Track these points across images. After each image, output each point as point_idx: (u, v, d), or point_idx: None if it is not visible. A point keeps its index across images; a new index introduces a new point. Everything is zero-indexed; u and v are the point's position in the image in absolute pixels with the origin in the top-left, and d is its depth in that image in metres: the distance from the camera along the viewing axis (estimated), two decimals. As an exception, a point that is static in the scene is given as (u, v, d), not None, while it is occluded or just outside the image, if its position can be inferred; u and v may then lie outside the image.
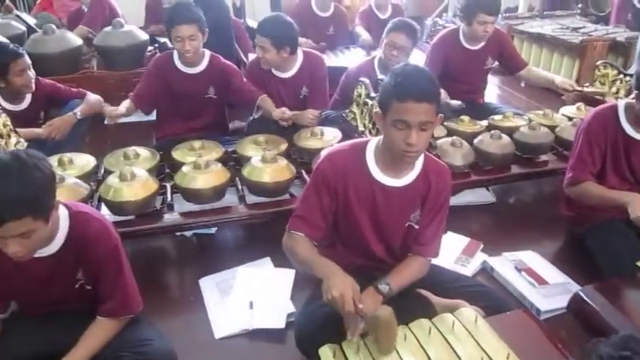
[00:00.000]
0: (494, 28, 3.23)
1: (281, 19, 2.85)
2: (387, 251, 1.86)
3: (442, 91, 2.98)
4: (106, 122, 2.72)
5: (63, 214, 1.58)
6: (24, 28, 4.12)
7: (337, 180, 1.72)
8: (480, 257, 2.39)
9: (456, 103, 3.08)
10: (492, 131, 2.72)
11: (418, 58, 3.87)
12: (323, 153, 2.41)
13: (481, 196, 2.86)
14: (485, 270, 2.35)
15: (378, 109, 1.67)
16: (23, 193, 1.35)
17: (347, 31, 4.63)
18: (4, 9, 4.66)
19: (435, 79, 1.61)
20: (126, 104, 2.81)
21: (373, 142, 1.77)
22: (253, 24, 4.67)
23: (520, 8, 5.85)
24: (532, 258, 2.36)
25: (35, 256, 1.53)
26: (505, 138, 2.70)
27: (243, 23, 4.58)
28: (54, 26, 3.77)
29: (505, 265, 2.32)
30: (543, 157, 2.82)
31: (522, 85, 4.54)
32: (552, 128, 2.87)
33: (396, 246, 1.85)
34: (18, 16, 4.61)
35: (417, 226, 1.80)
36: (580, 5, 5.81)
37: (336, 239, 1.87)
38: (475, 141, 2.72)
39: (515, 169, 2.71)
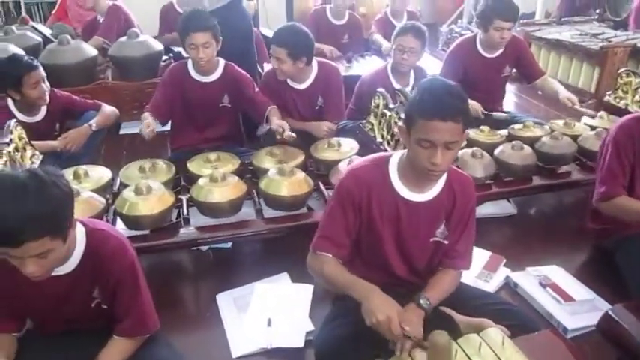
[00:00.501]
0: (511, 34, 3.18)
1: (297, 29, 2.82)
2: (409, 269, 1.81)
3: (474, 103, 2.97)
4: (147, 138, 2.65)
5: (80, 231, 1.56)
6: (40, 39, 4.14)
7: (361, 196, 1.68)
8: (503, 272, 2.32)
9: (500, 115, 3.10)
10: (513, 142, 2.66)
11: (433, 65, 3.83)
12: (341, 166, 2.42)
13: (502, 207, 2.80)
14: (509, 285, 2.29)
15: (402, 124, 1.64)
16: (42, 213, 1.32)
17: (362, 39, 4.61)
18: (20, 21, 4.68)
19: (465, 96, 1.55)
20: (146, 116, 2.77)
21: (396, 157, 1.72)
22: (268, 33, 4.66)
23: (537, 14, 5.78)
24: (556, 273, 2.30)
25: (52, 274, 1.50)
26: (526, 149, 2.64)
27: (256, 30, 4.55)
28: (69, 37, 3.77)
29: (529, 280, 2.25)
30: (565, 168, 2.75)
31: (540, 92, 4.47)
32: (574, 138, 2.81)
33: (419, 263, 1.80)
34: (34, 27, 4.64)
35: (445, 242, 1.76)
36: (597, 11, 5.73)
37: (356, 255, 1.83)
38: (496, 152, 2.66)
39: (537, 181, 2.64)
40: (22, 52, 3.59)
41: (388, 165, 1.71)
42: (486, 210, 2.72)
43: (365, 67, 4.08)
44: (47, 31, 4.44)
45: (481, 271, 2.30)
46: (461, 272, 1.81)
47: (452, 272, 1.78)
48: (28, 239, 1.31)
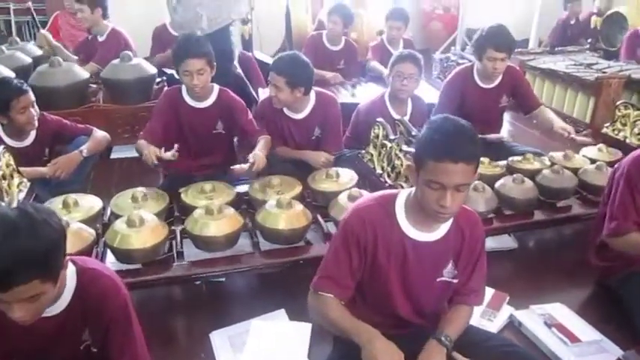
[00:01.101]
0: (505, 65, 3.15)
1: (298, 59, 2.78)
2: (413, 309, 1.75)
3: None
4: (151, 165, 2.57)
5: (70, 270, 1.48)
6: (30, 60, 4.06)
7: (367, 237, 1.63)
8: (507, 310, 2.26)
9: (493, 137, 3.09)
10: (515, 175, 2.62)
11: (429, 93, 3.80)
12: (341, 199, 2.35)
13: (502, 241, 2.74)
14: (513, 324, 2.22)
15: (410, 163, 1.59)
16: (32, 255, 1.24)
17: (357, 64, 4.59)
18: (10, 41, 4.59)
19: (477, 137, 1.50)
20: (144, 145, 2.65)
21: (403, 195, 1.67)
22: (261, 57, 4.63)
23: (530, 43, 5.82)
24: (561, 311, 2.23)
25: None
26: (528, 182, 2.60)
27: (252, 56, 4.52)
28: (60, 59, 3.69)
29: (533, 319, 2.19)
30: (566, 202, 2.70)
31: (535, 121, 4.46)
32: (575, 171, 2.77)
33: (424, 304, 1.75)
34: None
35: (454, 281, 1.71)
36: (590, 40, 5.78)
37: (357, 294, 1.77)
38: (497, 185, 2.62)
39: (538, 215, 2.59)
40: (11, 74, 3.52)
41: (395, 204, 1.66)
42: (487, 244, 2.64)
43: (361, 94, 4.04)
44: (37, 52, 4.36)
45: (485, 309, 2.23)
46: (473, 308, 1.78)
47: (465, 308, 1.76)
48: (16, 283, 1.23)
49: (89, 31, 4.47)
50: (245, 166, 2.55)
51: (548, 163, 2.87)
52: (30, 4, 6.73)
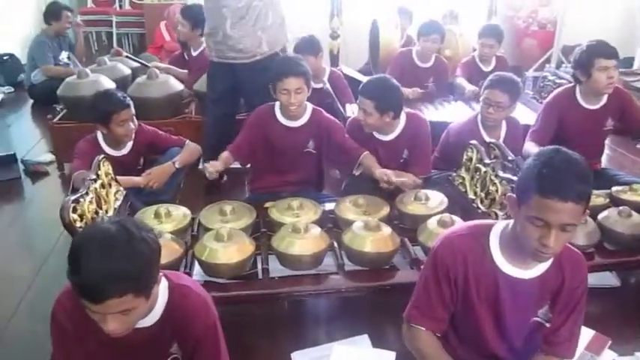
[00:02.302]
0: (617, 75, 2.94)
1: (387, 83, 2.75)
2: (507, 348, 1.65)
3: None
4: (208, 176, 2.66)
5: (163, 285, 1.51)
6: (129, 71, 4.26)
7: (457, 269, 1.55)
8: (609, 356, 2.08)
9: None
10: (621, 207, 2.43)
11: (522, 113, 3.63)
12: (430, 223, 2.26)
13: (603, 277, 2.54)
14: (615, 372, 2.05)
15: (512, 194, 1.49)
16: (128, 269, 1.28)
17: (447, 83, 4.45)
18: (113, 52, 4.85)
19: (590, 175, 1.39)
20: (224, 156, 2.76)
21: (499, 227, 1.58)
22: (348, 71, 4.61)
23: (636, 63, 5.45)
24: (671, 361, 2.04)
25: (133, 327, 1.45)
26: (636, 216, 2.39)
27: (338, 68, 4.51)
28: (157, 71, 3.85)
29: (640, 368, 2.01)
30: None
31: (638, 146, 4.16)
32: (688, 204, 2.54)
33: (517, 342, 1.65)
34: (128, 56, 4.80)
35: (547, 324, 1.60)
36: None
37: (449, 329, 1.69)
38: (600, 217, 2.43)
39: (646, 252, 2.39)
40: (112, 84, 3.70)
41: (489, 235, 1.57)
42: (585, 280, 2.48)
43: (449, 113, 3.92)
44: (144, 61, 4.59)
45: (583, 352, 2.06)
46: None
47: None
48: (111, 296, 1.27)
49: (183, 45, 4.63)
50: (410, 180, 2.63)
51: (657, 194, 2.64)
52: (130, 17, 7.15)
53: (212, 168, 2.63)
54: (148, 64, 4.45)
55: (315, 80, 3.78)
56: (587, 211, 1.46)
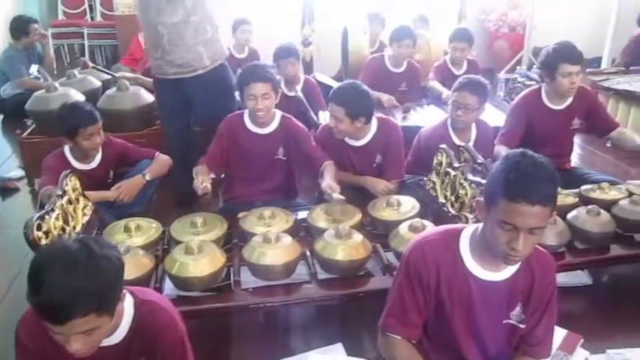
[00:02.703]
0: (580, 79, 2.98)
1: (357, 88, 2.74)
2: (481, 353, 1.65)
3: None
4: (200, 194, 2.58)
5: (128, 301, 1.49)
6: (99, 84, 4.21)
7: (429, 274, 1.55)
8: (581, 354, 2.09)
9: None
10: (590, 206, 2.45)
11: (493, 116, 3.66)
12: (402, 229, 2.26)
13: (575, 276, 2.56)
14: (588, 370, 2.07)
15: (480, 199, 1.50)
16: (90, 288, 1.26)
17: (419, 87, 4.48)
18: (82, 64, 4.79)
19: (557, 178, 1.40)
20: (200, 171, 2.69)
21: (469, 231, 1.58)
22: (322, 78, 4.61)
23: (604, 62, 5.54)
24: (642, 357, 2.06)
25: (98, 345, 1.42)
26: (604, 214, 2.42)
27: (312, 76, 4.51)
28: (127, 83, 3.81)
29: (612, 366, 2.02)
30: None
31: (608, 145, 4.22)
32: (655, 201, 2.57)
33: (491, 347, 1.65)
34: (95, 67, 4.74)
35: (521, 326, 1.61)
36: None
37: (423, 337, 1.69)
38: (569, 217, 2.45)
39: (615, 250, 2.41)
40: (81, 97, 3.65)
41: (459, 239, 1.58)
42: (558, 279, 2.47)
43: (422, 117, 3.94)
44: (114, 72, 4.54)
45: (556, 352, 2.07)
46: None
47: None
48: (73, 317, 1.24)
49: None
50: (338, 196, 2.46)
51: (625, 192, 2.66)
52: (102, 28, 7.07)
53: (202, 186, 2.54)
54: (115, 74, 4.40)
55: (290, 87, 3.81)
56: (555, 212, 1.47)
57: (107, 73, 4.61)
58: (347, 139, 2.84)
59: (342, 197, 2.45)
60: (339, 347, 2.14)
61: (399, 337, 1.60)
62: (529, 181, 1.35)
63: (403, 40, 4.23)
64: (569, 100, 3.08)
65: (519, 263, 1.55)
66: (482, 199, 1.51)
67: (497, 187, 1.41)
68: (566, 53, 2.91)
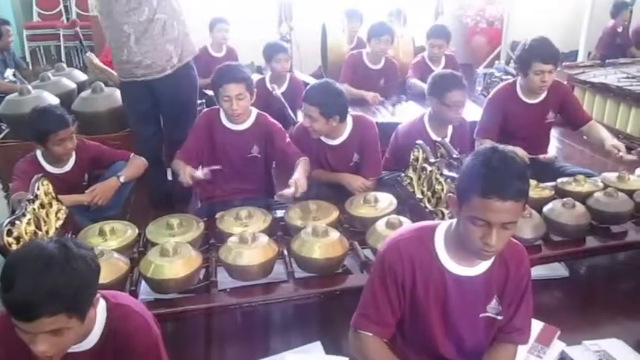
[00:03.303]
0: (552, 78, 3.00)
1: (330, 87, 2.74)
2: (457, 349, 1.65)
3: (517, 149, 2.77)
4: (185, 184, 2.63)
5: (101, 306, 1.46)
6: (74, 86, 4.14)
7: (404, 273, 1.54)
8: (558, 346, 2.11)
9: (547, 157, 3.04)
10: (565, 199, 2.47)
11: (472, 111, 3.68)
12: (379, 226, 2.26)
13: (552, 269, 2.58)
14: (564, 362, 2.08)
15: (452, 195, 1.50)
16: (63, 286, 1.25)
17: (397, 83, 4.48)
18: (56, 67, 4.71)
19: (527, 173, 1.40)
20: (180, 165, 2.69)
21: (443, 227, 1.58)
22: (302, 77, 4.60)
23: (580, 56, 5.59)
24: (617, 348, 2.07)
25: (69, 351, 1.40)
26: (579, 207, 2.44)
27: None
28: (102, 84, 3.75)
29: (587, 357, 2.04)
30: (621, 227, 2.53)
31: (585, 137, 4.26)
32: (630, 193, 2.59)
33: (467, 343, 1.65)
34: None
35: (498, 317, 1.61)
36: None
37: (397, 334, 1.69)
38: (545, 210, 2.47)
39: (591, 242, 2.44)
40: (56, 100, 3.59)
41: (434, 236, 1.57)
42: (535, 272, 2.49)
43: (402, 113, 3.94)
44: (82, 77, 4.45)
45: (533, 344, 2.09)
46: (517, 347, 1.68)
47: (509, 347, 1.66)
48: (42, 314, 1.23)
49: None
50: (290, 190, 2.46)
51: (600, 185, 2.69)
52: (78, 29, 6.97)
53: (186, 177, 2.59)
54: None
55: (279, 84, 3.85)
56: (527, 206, 1.48)
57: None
58: (323, 139, 2.83)
59: (289, 192, 2.45)
60: (317, 346, 2.14)
61: (370, 334, 1.59)
62: (500, 177, 1.35)
63: (382, 35, 4.23)
64: (544, 94, 3.10)
65: (493, 257, 1.56)
66: (454, 195, 1.50)
67: (468, 183, 1.41)
68: (540, 52, 2.92)
